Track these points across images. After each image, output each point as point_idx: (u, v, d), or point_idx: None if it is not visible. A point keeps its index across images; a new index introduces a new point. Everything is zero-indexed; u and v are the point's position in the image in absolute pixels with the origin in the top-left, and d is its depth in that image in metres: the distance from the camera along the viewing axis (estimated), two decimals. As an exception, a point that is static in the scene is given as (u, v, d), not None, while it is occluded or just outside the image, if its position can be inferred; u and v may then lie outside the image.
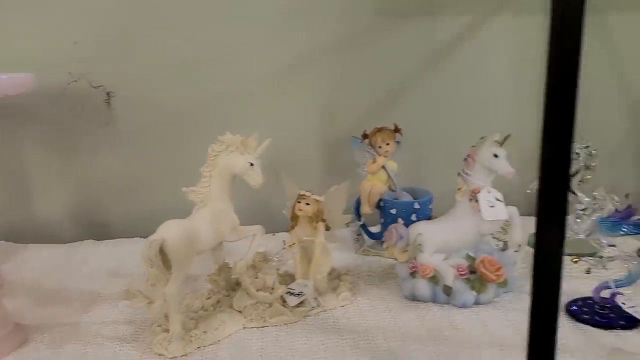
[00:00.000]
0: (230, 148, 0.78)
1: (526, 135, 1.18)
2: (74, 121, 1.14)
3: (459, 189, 0.87)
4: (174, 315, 0.72)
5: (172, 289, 0.71)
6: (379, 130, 1.03)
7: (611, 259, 0.76)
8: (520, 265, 0.93)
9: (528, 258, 0.94)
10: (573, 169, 0.99)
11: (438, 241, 0.84)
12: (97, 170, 1.17)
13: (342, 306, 0.83)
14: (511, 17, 1.19)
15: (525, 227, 0.88)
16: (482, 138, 0.86)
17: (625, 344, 0.70)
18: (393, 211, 1.00)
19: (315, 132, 1.21)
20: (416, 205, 0.99)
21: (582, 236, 0.78)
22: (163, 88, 1.13)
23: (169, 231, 0.72)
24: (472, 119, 1.18)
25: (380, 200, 1.03)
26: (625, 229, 0.74)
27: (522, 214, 0.91)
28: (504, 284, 0.84)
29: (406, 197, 1.03)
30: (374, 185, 1.02)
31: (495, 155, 0.84)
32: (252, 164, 0.78)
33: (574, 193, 0.99)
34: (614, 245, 0.77)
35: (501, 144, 0.84)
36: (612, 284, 0.76)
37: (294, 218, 0.84)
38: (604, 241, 0.76)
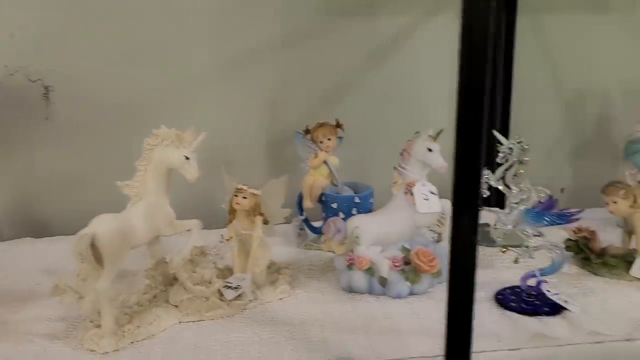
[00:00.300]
0: (165, 142, 0.78)
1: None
2: (11, 116, 1.11)
3: (395, 182, 0.89)
4: (106, 311, 0.71)
5: (104, 284, 0.70)
6: (321, 125, 1.04)
7: (536, 248, 0.80)
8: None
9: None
10: (507, 163, 1.02)
11: (374, 234, 0.86)
12: (36, 166, 1.14)
13: (280, 299, 0.84)
14: (449, 18, 1.22)
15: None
16: (416, 132, 0.88)
17: (548, 329, 0.73)
18: (334, 205, 1.02)
19: (260, 127, 1.21)
20: (357, 200, 1.01)
21: (510, 227, 0.81)
22: (104, 82, 1.11)
23: (101, 225, 0.71)
24: (412, 115, 1.21)
25: (322, 194, 1.04)
26: (547, 220, 0.77)
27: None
28: (438, 274, 0.86)
29: (347, 192, 1.04)
30: (316, 180, 1.03)
31: (429, 150, 0.86)
32: (187, 158, 0.78)
33: (507, 187, 1.03)
34: (539, 235, 0.80)
35: (435, 138, 0.87)
36: (537, 273, 0.79)
37: (232, 212, 0.84)
38: (529, 231, 0.80)
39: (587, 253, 0.90)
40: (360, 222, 0.87)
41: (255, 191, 0.83)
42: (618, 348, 0.70)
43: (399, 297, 0.83)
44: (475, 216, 0.51)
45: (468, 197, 0.51)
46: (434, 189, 0.87)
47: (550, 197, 0.78)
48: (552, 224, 0.79)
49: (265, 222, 0.85)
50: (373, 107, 1.22)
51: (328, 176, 1.04)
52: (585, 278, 0.88)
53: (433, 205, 0.86)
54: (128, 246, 0.73)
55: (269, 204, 0.86)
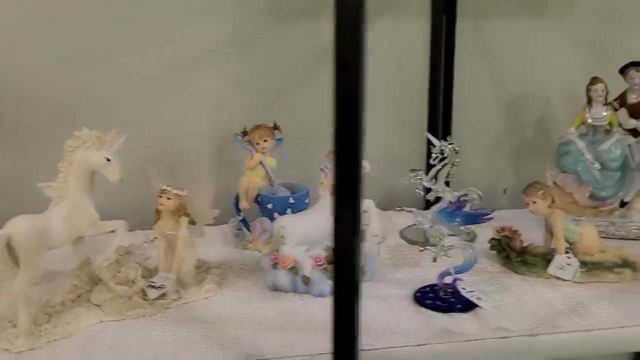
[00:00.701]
0: (87, 144, 0.79)
1: (406, 132, 1.23)
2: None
3: (322, 183, 0.91)
4: (22, 310, 0.72)
5: (20, 284, 0.71)
6: (257, 127, 1.06)
7: (451, 247, 0.82)
8: (384, 255, 0.98)
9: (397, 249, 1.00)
10: (438, 165, 1.05)
11: (300, 233, 0.88)
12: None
13: (206, 298, 0.85)
14: (393, 21, 1.25)
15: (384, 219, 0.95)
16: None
17: (456, 325, 0.76)
18: (269, 206, 1.03)
19: (206, 129, 1.22)
20: (291, 200, 1.02)
21: (427, 226, 0.83)
22: (45, 84, 1.12)
23: (17, 226, 0.72)
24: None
25: (258, 195, 1.06)
26: (460, 219, 0.80)
27: (383, 209, 0.97)
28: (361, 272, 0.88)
29: (284, 193, 1.06)
30: (252, 181, 1.05)
31: (353, 151, 0.88)
32: (109, 160, 0.79)
33: (441, 189, 1.05)
34: (454, 235, 0.83)
35: (358, 140, 0.89)
36: (452, 271, 0.82)
37: (157, 212, 0.85)
38: (444, 231, 0.82)
39: (508, 252, 0.93)
40: (286, 222, 0.89)
41: (179, 192, 0.84)
42: (521, 343, 0.73)
43: (321, 295, 0.85)
44: (354, 213, 0.53)
45: (347, 195, 0.53)
46: (358, 190, 0.89)
47: (459, 197, 0.81)
48: (465, 224, 0.81)
49: (192, 223, 0.87)
50: (316, 110, 1.23)
51: (264, 177, 1.06)
52: (505, 276, 0.91)
53: (356, 206, 0.88)
54: (45, 247, 0.74)
55: (196, 205, 0.87)
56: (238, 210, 1.08)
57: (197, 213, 0.87)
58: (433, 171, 1.05)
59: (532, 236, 0.95)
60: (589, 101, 1.11)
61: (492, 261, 0.97)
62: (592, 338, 0.73)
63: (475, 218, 0.80)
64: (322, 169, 0.91)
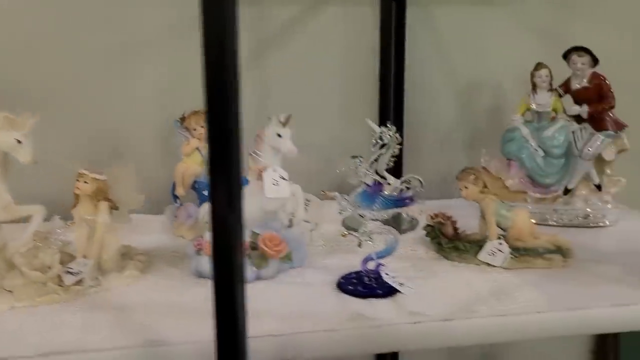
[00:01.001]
0: (-4, 125, 0.77)
1: (358, 119, 1.21)
2: None
3: (249, 168, 0.90)
4: None
5: None
6: (194, 113, 1.04)
7: (373, 232, 0.80)
8: (318, 242, 0.97)
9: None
10: (378, 152, 1.03)
11: (225, 219, 0.86)
12: None
13: (126, 285, 0.84)
14: (342, 7, 1.23)
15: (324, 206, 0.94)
16: (269, 118, 0.89)
17: (372, 310, 0.74)
18: (206, 193, 1.02)
19: (154, 115, 1.21)
20: (227, 187, 1.01)
21: (349, 211, 0.82)
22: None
23: None
24: (302, 106, 1.22)
25: (195, 182, 1.04)
26: (378, 204, 0.78)
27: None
28: (287, 259, 0.87)
29: (221, 180, 1.05)
30: (188, 167, 1.04)
31: (279, 135, 0.87)
32: (19, 141, 0.78)
33: (381, 176, 1.03)
34: (376, 220, 0.81)
35: (284, 123, 0.87)
36: (374, 256, 0.80)
37: (76, 197, 0.83)
38: (367, 215, 0.81)
39: (440, 238, 0.92)
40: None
41: (97, 176, 0.82)
42: (435, 328, 0.71)
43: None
44: (230, 190, 0.52)
45: (222, 170, 0.51)
46: (285, 175, 0.88)
47: (377, 181, 0.79)
48: (386, 208, 0.80)
49: (115, 208, 0.85)
50: (259, 97, 1.22)
51: (201, 163, 1.05)
52: (436, 262, 0.90)
53: (282, 191, 0.86)
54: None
55: (119, 190, 0.86)
56: (175, 197, 1.06)
57: (119, 198, 0.86)
58: (372, 158, 1.04)
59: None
60: (534, 87, 1.10)
61: (427, 248, 0.95)
62: (507, 323, 0.72)
63: (395, 202, 0.79)
64: (250, 154, 0.89)
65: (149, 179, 0.94)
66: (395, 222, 1.06)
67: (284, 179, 0.87)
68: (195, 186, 1.04)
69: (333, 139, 1.27)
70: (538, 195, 1.08)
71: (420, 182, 1.04)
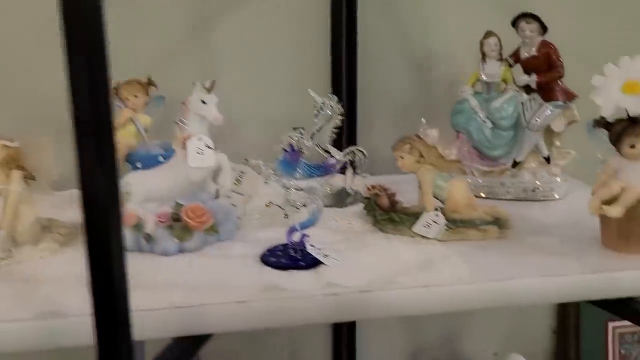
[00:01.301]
0: None
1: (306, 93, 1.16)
2: None
3: (175, 137, 0.86)
4: None
5: None
6: (128, 82, 1.00)
7: (296, 201, 0.77)
8: (253, 216, 0.93)
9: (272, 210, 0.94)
10: (319, 123, 1.00)
11: (147, 190, 0.83)
12: None
13: (41, 257, 0.80)
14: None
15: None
16: (193, 84, 0.85)
17: (290, 282, 0.71)
18: (139, 164, 0.98)
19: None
20: (160, 159, 0.97)
21: (274, 180, 0.78)
22: None
23: None
24: (252, 79, 1.19)
25: (129, 154, 1.00)
26: (300, 171, 0.75)
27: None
28: (213, 231, 0.83)
29: (157, 151, 1.01)
30: (122, 139, 1.00)
31: (203, 102, 0.83)
32: None
33: (325, 150, 1.00)
34: (300, 189, 0.77)
35: (209, 90, 0.83)
36: (298, 227, 0.77)
37: (-13, 166, 0.80)
38: (290, 184, 0.77)
39: (376, 210, 0.89)
40: (133, 178, 0.84)
41: (7, 143, 0.78)
42: (351, 299, 0.68)
43: (165, 254, 0.80)
44: (101, 157, 0.48)
45: (88, 138, 0.47)
46: (211, 143, 0.84)
47: (291, 145, 0.75)
48: (308, 176, 0.76)
49: (31, 178, 0.81)
50: (206, 68, 1.19)
51: (136, 135, 1.01)
52: (370, 235, 0.87)
53: (206, 160, 0.83)
54: None
55: (36, 159, 0.82)
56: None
57: (37, 167, 0.82)
58: (313, 129, 1.01)
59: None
60: (483, 57, 1.06)
61: (366, 222, 0.92)
62: (429, 294, 0.69)
63: (318, 170, 0.76)
64: (176, 122, 0.86)
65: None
66: (339, 196, 1.04)
67: (209, 147, 0.83)
68: (129, 159, 1.00)
69: (284, 111, 1.23)
70: (486, 169, 1.05)
71: (364, 154, 1.01)
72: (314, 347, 1.34)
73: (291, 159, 0.75)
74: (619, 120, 0.75)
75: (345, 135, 1.24)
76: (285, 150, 0.76)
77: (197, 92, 0.83)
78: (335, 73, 1.24)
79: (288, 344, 1.34)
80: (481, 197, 1.04)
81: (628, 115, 0.74)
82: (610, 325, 1.42)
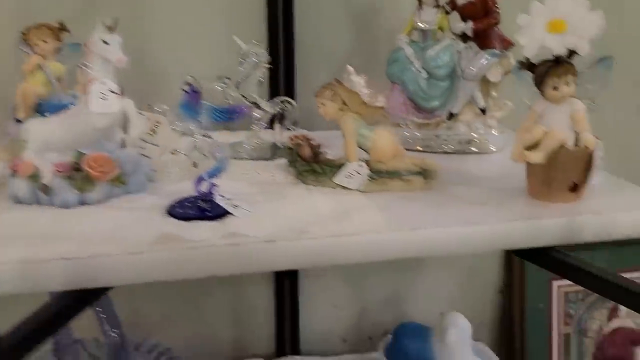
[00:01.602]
0: None
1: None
2: None
3: (78, 82, 0.79)
4: None
5: None
6: (36, 27, 0.92)
7: (203, 148, 0.72)
8: (171, 168, 0.88)
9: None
10: (245, 71, 0.94)
11: (47, 138, 0.77)
12: None
13: None
14: None
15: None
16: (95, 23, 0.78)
17: (192, 232, 0.66)
18: (48, 115, 0.91)
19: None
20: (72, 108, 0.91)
21: (178, 127, 0.72)
22: None
23: None
24: (185, 33, 1.12)
25: (38, 103, 0.93)
26: (203, 115, 0.69)
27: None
28: (119, 182, 0.78)
29: (70, 101, 0.94)
30: (29, 87, 0.92)
31: (105, 42, 0.76)
32: None
33: (253, 102, 0.94)
34: (208, 137, 0.72)
35: (111, 29, 0.77)
36: (205, 176, 0.72)
37: None
38: (195, 130, 0.72)
39: (297, 161, 0.84)
40: (31, 126, 0.77)
41: None
42: (255, 250, 0.64)
43: (65, 206, 0.75)
44: None
45: None
46: (115, 88, 0.77)
47: (190, 85, 0.70)
48: (215, 120, 0.71)
49: None
50: (135, 22, 1.12)
51: (45, 83, 0.94)
52: (289, 186, 0.82)
53: (110, 105, 0.76)
54: None
55: None
56: (18, 120, 0.95)
57: None
58: (239, 77, 0.95)
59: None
60: (420, 3, 1.01)
61: (289, 174, 0.88)
62: (339, 244, 0.65)
63: (224, 114, 0.70)
64: (79, 66, 0.79)
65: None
66: (268, 150, 0.99)
67: (113, 92, 0.77)
68: (38, 108, 0.93)
69: (215, 65, 1.16)
70: (421, 121, 1.01)
71: (292, 105, 0.96)
72: (256, 308, 1.32)
73: (191, 101, 0.69)
74: (544, 62, 0.71)
75: (283, 90, 1.18)
76: (185, 92, 0.70)
77: (97, 32, 0.76)
78: (271, 26, 1.17)
79: (228, 309, 1.31)
80: (418, 150, 1.01)
81: (553, 55, 0.70)
82: (555, 284, 1.42)
